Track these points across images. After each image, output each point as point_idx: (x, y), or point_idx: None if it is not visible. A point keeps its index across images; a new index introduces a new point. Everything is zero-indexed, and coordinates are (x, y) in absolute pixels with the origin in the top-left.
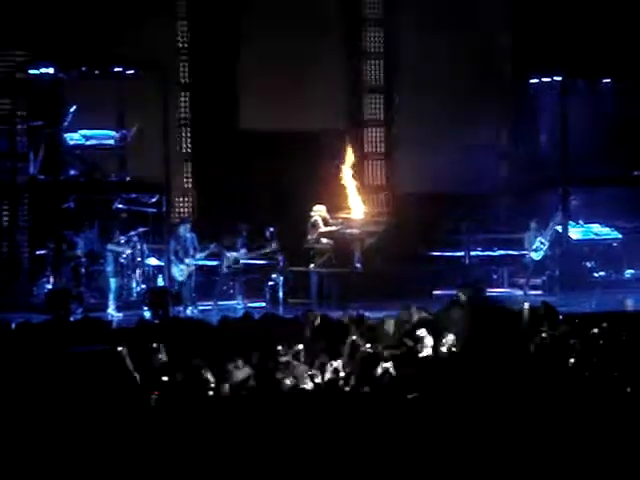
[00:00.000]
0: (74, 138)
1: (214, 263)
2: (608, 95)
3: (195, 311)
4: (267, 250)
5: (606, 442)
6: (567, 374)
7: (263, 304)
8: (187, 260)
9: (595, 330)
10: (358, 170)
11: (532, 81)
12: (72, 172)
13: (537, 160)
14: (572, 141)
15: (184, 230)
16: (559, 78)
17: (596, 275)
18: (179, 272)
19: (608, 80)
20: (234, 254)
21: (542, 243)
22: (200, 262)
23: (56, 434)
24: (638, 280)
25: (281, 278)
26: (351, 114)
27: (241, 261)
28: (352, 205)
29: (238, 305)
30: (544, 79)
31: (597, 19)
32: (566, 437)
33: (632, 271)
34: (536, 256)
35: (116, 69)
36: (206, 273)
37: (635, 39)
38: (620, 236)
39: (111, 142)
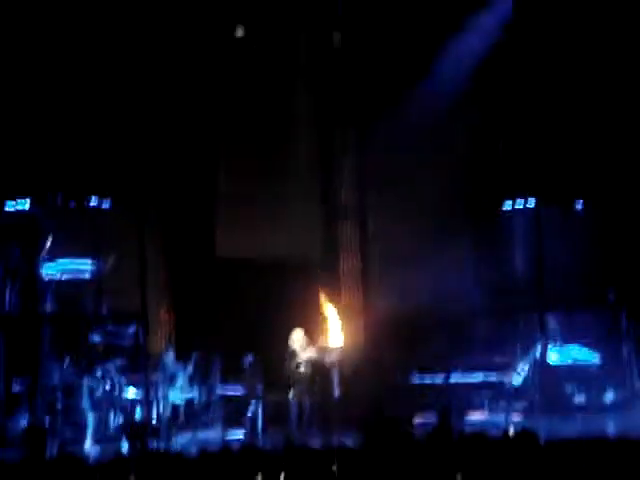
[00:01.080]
0: (49, 273)
1: (190, 395)
2: (581, 219)
3: (175, 443)
4: (243, 381)
5: None
6: None
7: (242, 433)
8: (179, 384)
9: (577, 456)
10: (334, 295)
11: (506, 205)
12: (48, 305)
13: (513, 283)
14: (548, 263)
15: (168, 359)
16: (532, 203)
17: (576, 400)
18: (177, 397)
19: (581, 205)
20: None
21: (522, 369)
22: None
23: None
24: (618, 404)
25: (260, 407)
26: (326, 239)
27: (218, 391)
28: (330, 331)
29: (217, 435)
30: (517, 205)
31: (570, 145)
32: None
33: (612, 395)
34: (516, 381)
35: (92, 204)
36: (185, 405)
37: (607, 163)
38: (599, 358)
39: (86, 276)
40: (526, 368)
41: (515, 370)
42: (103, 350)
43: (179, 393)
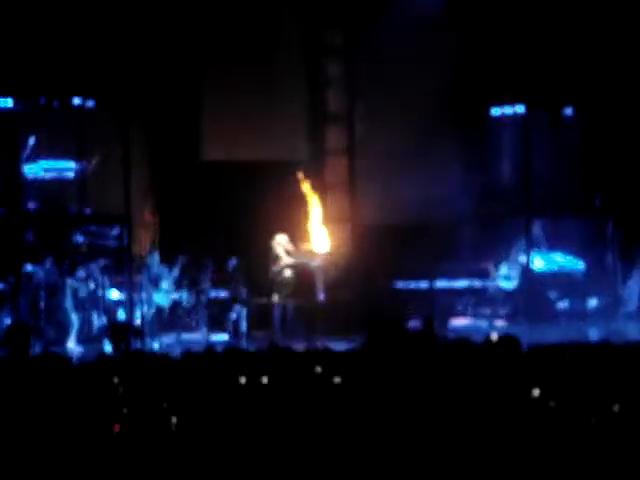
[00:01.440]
0: (33, 172)
1: (176, 298)
2: (570, 125)
3: (158, 344)
4: (232, 285)
5: (572, 471)
6: (531, 405)
7: (226, 336)
8: (164, 286)
9: (559, 360)
10: (320, 201)
11: (494, 110)
12: (31, 205)
13: (500, 189)
14: (535, 169)
15: (153, 262)
16: (521, 109)
17: (560, 305)
18: (162, 298)
19: (570, 110)
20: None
21: (510, 274)
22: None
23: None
24: (601, 311)
25: (244, 310)
26: (313, 144)
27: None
28: (315, 236)
29: (202, 338)
30: (506, 110)
31: (560, 50)
32: (532, 465)
33: (596, 301)
34: (505, 285)
35: (75, 102)
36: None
37: (596, 69)
38: (583, 265)
39: (70, 175)
40: (515, 272)
41: (499, 274)
42: (86, 251)
43: (164, 295)
